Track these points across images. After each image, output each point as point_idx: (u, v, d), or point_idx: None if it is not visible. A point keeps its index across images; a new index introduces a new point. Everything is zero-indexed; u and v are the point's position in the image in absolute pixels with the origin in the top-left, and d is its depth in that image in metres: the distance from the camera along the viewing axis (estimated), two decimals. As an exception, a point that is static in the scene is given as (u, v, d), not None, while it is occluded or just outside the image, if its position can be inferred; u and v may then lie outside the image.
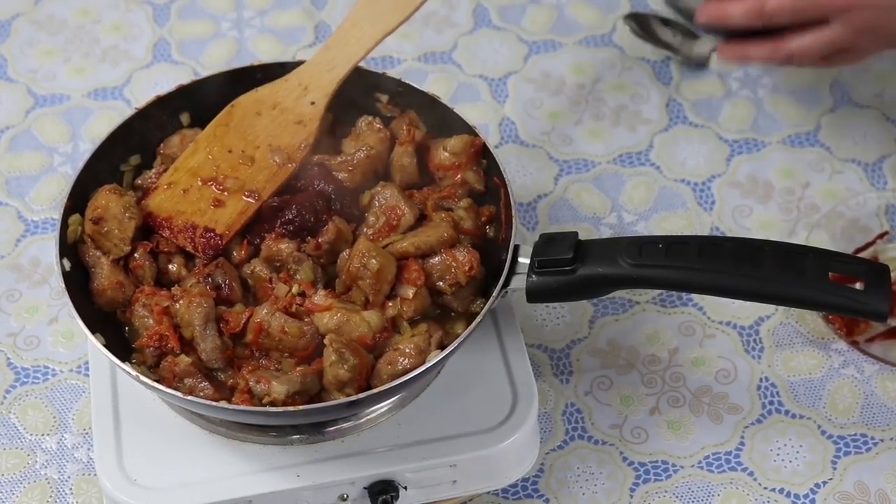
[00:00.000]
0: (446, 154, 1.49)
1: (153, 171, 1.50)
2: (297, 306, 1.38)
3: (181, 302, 1.37)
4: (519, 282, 1.39)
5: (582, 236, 1.40)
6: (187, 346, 1.37)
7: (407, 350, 1.35)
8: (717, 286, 1.35)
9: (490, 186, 1.49)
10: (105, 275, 1.41)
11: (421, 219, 1.45)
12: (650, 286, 1.40)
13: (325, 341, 1.35)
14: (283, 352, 1.37)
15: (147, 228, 1.45)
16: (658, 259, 1.36)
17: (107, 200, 1.42)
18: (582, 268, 1.38)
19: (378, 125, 1.51)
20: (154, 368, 1.37)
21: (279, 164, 1.48)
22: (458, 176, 1.49)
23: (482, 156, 1.50)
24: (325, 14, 1.89)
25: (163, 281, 1.43)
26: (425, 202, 1.46)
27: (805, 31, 1.54)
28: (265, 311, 1.37)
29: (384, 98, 1.55)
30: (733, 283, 1.35)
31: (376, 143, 1.50)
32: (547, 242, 1.40)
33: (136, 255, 1.42)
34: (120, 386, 1.42)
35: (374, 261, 1.38)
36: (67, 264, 1.41)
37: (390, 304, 1.40)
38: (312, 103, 1.51)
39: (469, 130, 1.49)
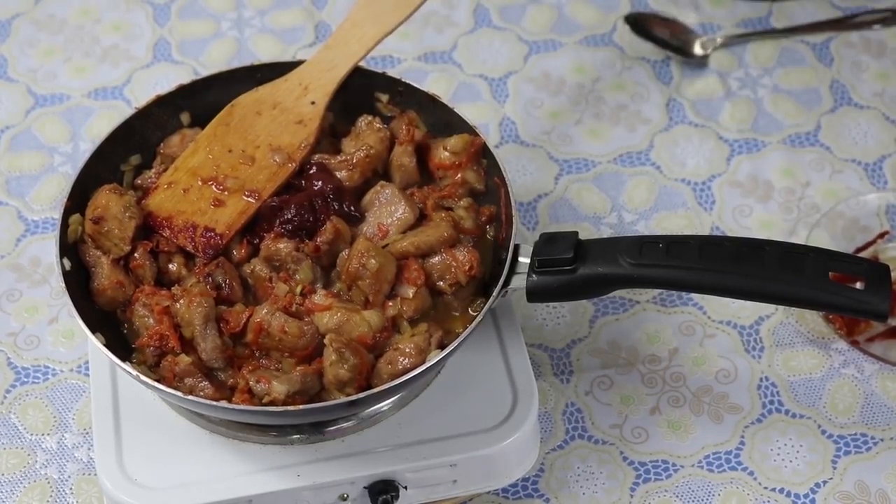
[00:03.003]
0: (446, 153, 1.49)
1: (153, 170, 1.50)
2: (297, 306, 1.38)
3: (181, 301, 1.37)
4: (519, 281, 1.39)
5: (582, 236, 1.40)
6: (187, 345, 1.37)
7: (407, 350, 1.35)
8: (717, 286, 1.35)
9: (490, 186, 1.49)
10: (105, 274, 1.41)
11: (421, 218, 1.45)
12: (651, 286, 1.40)
13: (326, 341, 1.35)
14: (283, 351, 1.37)
15: (147, 228, 1.45)
16: (658, 258, 1.36)
17: (107, 200, 1.42)
18: (582, 267, 1.38)
19: (378, 125, 1.51)
20: (154, 368, 1.37)
21: (279, 163, 1.47)
22: (459, 175, 1.48)
23: (482, 155, 1.50)
24: (325, 14, 1.89)
25: (163, 280, 1.43)
26: (425, 201, 1.46)
27: None
28: (265, 310, 1.37)
29: (384, 97, 1.54)
30: (734, 283, 1.35)
31: (376, 142, 1.50)
32: (547, 242, 1.40)
33: (136, 254, 1.42)
34: (120, 385, 1.42)
35: (373, 260, 1.38)
36: (68, 264, 1.40)
37: (390, 303, 1.39)
38: (312, 103, 1.51)
39: (469, 130, 1.49)
